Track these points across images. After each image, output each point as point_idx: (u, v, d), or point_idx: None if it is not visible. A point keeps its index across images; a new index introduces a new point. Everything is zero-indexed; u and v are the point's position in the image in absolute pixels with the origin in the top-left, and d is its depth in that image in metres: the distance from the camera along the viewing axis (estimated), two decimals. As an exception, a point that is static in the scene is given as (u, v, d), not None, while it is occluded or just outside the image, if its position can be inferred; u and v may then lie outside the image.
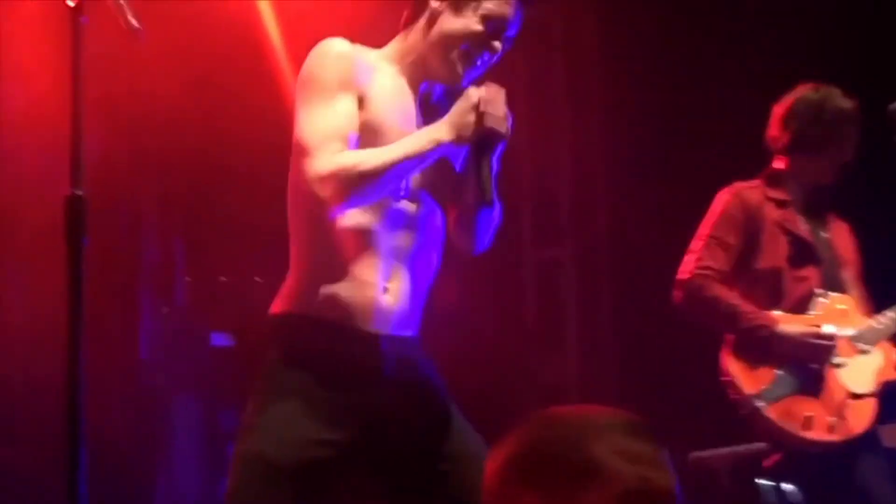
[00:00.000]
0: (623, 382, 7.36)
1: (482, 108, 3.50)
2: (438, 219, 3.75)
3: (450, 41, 3.66)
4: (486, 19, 3.64)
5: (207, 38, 6.80)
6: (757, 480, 5.01)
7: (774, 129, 5.23)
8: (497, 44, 3.67)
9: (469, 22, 3.64)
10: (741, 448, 5.13)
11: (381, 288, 3.56)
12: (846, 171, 5.23)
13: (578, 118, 7.75)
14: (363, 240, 3.57)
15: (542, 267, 7.97)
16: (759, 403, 4.90)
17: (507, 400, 7.35)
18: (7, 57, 6.77)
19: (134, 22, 3.21)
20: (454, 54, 3.66)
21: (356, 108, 3.58)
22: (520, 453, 2.03)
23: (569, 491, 1.95)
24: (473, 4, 3.64)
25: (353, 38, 3.69)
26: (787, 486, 5.05)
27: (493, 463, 2.06)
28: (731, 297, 5.01)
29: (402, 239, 3.63)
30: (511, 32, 3.71)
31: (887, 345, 5.18)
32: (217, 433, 7.48)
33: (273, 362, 3.62)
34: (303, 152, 3.53)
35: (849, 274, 5.29)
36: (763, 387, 4.92)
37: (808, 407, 4.93)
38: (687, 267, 5.08)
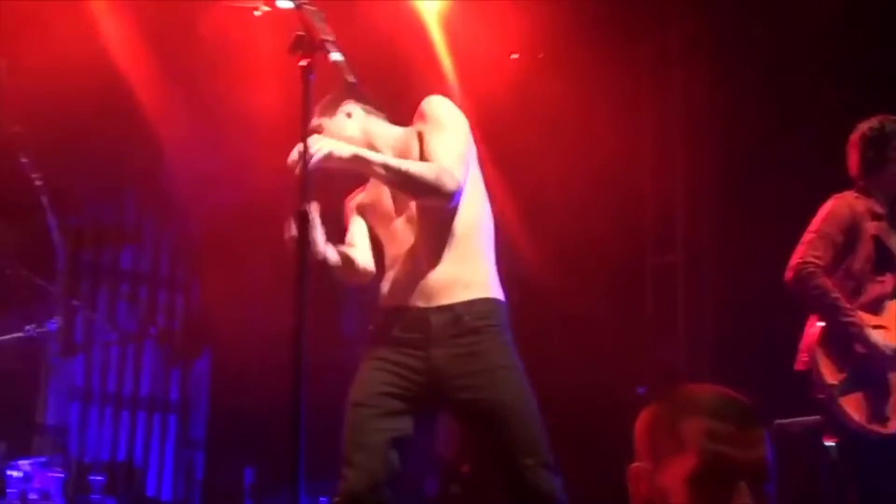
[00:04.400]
0: (721, 364, 7.28)
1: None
2: None
3: None
4: None
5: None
6: (826, 443, 4.90)
7: (853, 154, 5.06)
8: None
9: None
10: (813, 418, 5.02)
11: None
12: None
13: (691, 154, 7.69)
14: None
15: (659, 270, 7.94)
16: (836, 392, 4.71)
17: (631, 376, 7.33)
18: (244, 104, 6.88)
19: (351, 78, 3.25)
20: None
21: None
22: (641, 426, 2.02)
23: (664, 460, 1.93)
24: None
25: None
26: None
27: (636, 425, 2.05)
28: (833, 290, 4.76)
29: None
30: None
31: None
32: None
33: (508, 341, 3.75)
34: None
35: None
36: (842, 377, 4.73)
37: (874, 401, 4.73)
38: (799, 254, 4.84)
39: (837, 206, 4.91)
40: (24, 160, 6.43)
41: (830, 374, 4.75)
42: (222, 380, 8.14)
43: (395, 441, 3.59)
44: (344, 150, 3.59)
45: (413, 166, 3.64)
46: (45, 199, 6.46)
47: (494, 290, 3.75)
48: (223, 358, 8.18)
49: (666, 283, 7.89)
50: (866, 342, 4.72)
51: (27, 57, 6.90)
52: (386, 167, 3.62)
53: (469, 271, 3.71)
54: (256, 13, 6.96)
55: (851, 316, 4.74)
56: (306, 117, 3.31)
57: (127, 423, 8.06)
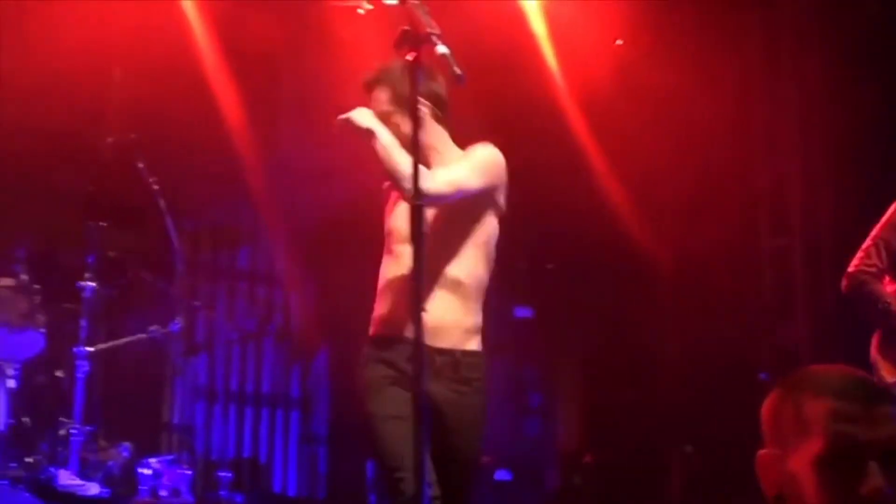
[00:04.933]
0: (842, 347, 7.14)
1: None
2: None
3: None
4: None
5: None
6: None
7: None
8: None
9: None
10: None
11: None
12: None
13: (805, 134, 7.55)
14: None
15: (776, 253, 7.81)
16: None
17: (750, 359, 7.24)
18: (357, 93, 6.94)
19: (458, 70, 3.25)
20: None
21: None
22: (766, 412, 1.97)
23: (792, 444, 1.89)
24: None
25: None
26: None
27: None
28: (886, 295, 4.69)
29: None
30: None
31: None
32: (520, 387, 7.56)
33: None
34: None
35: None
36: None
37: None
38: (853, 263, 4.80)
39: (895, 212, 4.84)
40: (140, 166, 6.57)
41: (889, 373, 4.67)
42: (342, 374, 8.21)
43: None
44: (363, 120, 3.77)
45: (403, 156, 3.66)
46: (162, 203, 6.60)
47: (481, 344, 3.86)
48: (342, 352, 8.26)
49: (783, 268, 7.77)
50: None
51: (139, 64, 7.05)
52: (384, 149, 3.72)
53: (470, 320, 3.82)
54: (360, 11, 7.01)
55: None
56: (415, 112, 3.32)
57: (250, 420, 8.19)
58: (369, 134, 3.75)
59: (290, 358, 8.34)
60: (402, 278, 3.79)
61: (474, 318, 3.84)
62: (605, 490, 7.37)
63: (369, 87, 3.99)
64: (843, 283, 4.82)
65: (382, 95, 3.93)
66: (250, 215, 8.38)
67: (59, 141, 7.03)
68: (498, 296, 7.69)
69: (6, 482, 4.72)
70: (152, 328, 6.54)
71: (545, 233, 7.57)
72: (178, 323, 6.62)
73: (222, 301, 8.21)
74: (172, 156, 7.24)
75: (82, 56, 6.87)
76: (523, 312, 7.67)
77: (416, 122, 3.29)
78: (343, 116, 3.80)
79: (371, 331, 3.90)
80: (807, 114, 7.50)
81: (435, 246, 3.71)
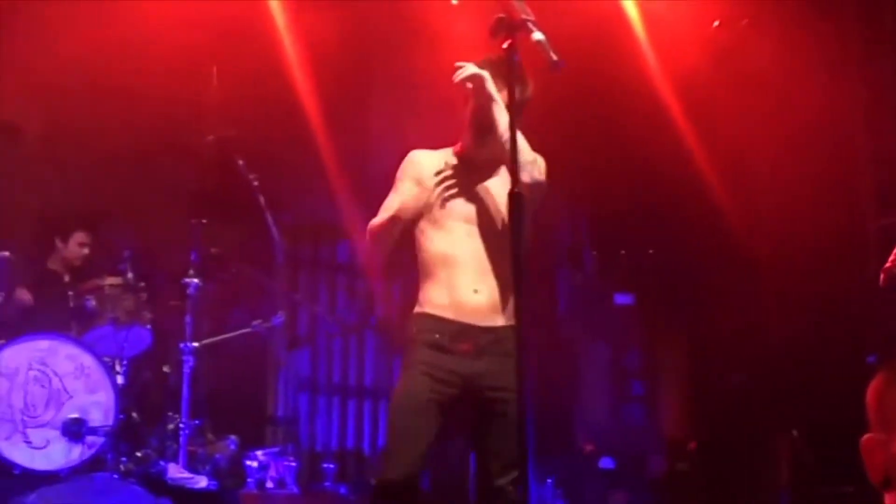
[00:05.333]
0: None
1: None
2: None
3: None
4: None
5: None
6: None
7: None
8: None
9: None
10: None
11: None
12: None
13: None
14: None
15: (882, 232, 7.63)
16: None
17: (857, 341, 7.08)
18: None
19: (555, 57, 3.22)
20: None
21: None
22: (871, 396, 1.94)
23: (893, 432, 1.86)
24: None
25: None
26: None
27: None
28: None
29: None
30: None
31: None
32: (621, 371, 7.51)
33: None
34: None
35: None
36: None
37: None
38: (892, 258, 4.83)
39: None
40: (240, 162, 6.66)
41: None
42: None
43: (432, 443, 3.87)
44: (492, 87, 3.87)
45: (522, 140, 3.82)
46: (262, 199, 6.67)
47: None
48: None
49: (889, 247, 7.58)
50: None
51: (235, 62, 7.12)
52: (507, 125, 3.66)
53: (507, 297, 3.94)
54: (454, 1, 7.00)
55: None
56: (512, 100, 3.30)
57: (353, 412, 8.25)
58: (494, 102, 3.86)
59: (390, 350, 8.38)
60: (456, 260, 3.95)
61: (509, 295, 3.91)
62: (710, 476, 7.30)
63: (500, 67, 3.91)
64: (882, 278, 4.85)
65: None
66: (349, 209, 8.43)
67: (160, 140, 7.14)
68: (598, 283, 7.70)
69: (117, 476, 4.82)
70: (255, 322, 6.63)
71: (645, 219, 7.51)
72: (281, 317, 6.71)
73: (323, 294, 8.27)
74: (271, 152, 7.32)
75: (180, 56, 6.97)
76: (624, 299, 7.61)
77: (513, 113, 3.30)
78: (468, 72, 3.88)
79: (427, 308, 3.98)
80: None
81: (492, 240, 3.93)
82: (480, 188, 4.01)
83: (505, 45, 3.26)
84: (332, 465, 6.48)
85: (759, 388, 7.40)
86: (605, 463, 7.16)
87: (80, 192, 7.21)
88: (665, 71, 7.34)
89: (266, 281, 7.13)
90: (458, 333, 3.88)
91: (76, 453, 5.42)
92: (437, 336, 3.89)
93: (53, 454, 5.41)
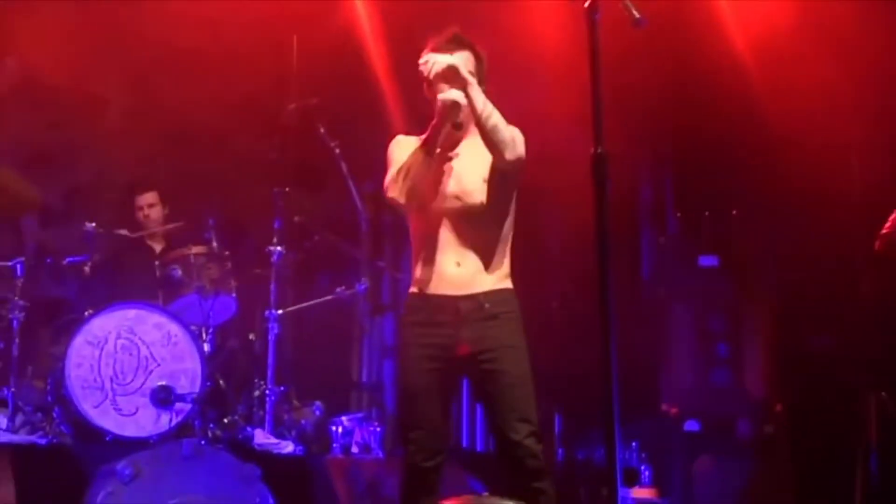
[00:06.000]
0: None
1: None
2: None
3: None
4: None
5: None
6: None
7: None
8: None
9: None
10: None
11: None
12: None
13: None
14: None
15: None
16: None
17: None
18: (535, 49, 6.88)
19: (637, 14, 3.16)
20: None
21: None
22: None
23: None
24: None
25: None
26: None
27: None
28: None
29: None
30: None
31: None
32: (706, 333, 7.41)
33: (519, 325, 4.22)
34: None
35: None
36: None
37: None
38: (888, 224, 4.97)
39: None
40: (321, 130, 6.66)
41: None
42: (526, 328, 8.19)
43: (446, 409, 4.12)
44: (467, 74, 4.00)
45: (499, 118, 4.00)
46: (344, 167, 6.68)
47: (509, 281, 4.14)
48: (525, 306, 8.24)
49: None
50: None
51: (316, 32, 7.12)
52: (486, 104, 3.97)
53: (491, 265, 4.09)
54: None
55: None
56: (596, 59, 3.24)
57: (437, 377, 8.24)
58: (472, 87, 3.99)
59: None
60: (436, 237, 4.09)
61: (495, 261, 4.10)
62: (798, 438, 7.19)
63: (458, 42, 4.18)
64: (877, 244, 5.00)
65: (468, 61, 4.12)
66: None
67: (243, 110, 7.17)
68: (682, 245, 7.59)
69: (205, 442, 4.87)
70: (339, 289, 6.65)
71: (728, 179, 7.38)
72: (364, 283, 6.72)
73: (406, 261, 8.26)
74: (352, 120, 7.32)
75: (262, 27, 6.99)
76: (708, 261, 7.50)
77: (595, 71, 3.24)
78: (444, 62, 4.02)
79: (413, 287, 4.14)
80: None
81: (469, 208, 4.06)
82: (458, 165, 4.13)
83: (587, 4, 3.19)
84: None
85: (848, 351, 7.27)
86: (691, 426, 7.09)
87: (164, 164, 7.28)
88: (746, 27, 7.18)
89: (349, 248, 7.14)
90: (439, 306, 4.03)
91: (164, 420, 5.50)
92: (422, 313, 4.06)
93: (142, 421, 5.49)
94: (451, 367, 4.04)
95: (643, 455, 6.81)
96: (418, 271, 4.13)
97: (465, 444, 8.02)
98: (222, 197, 7.09)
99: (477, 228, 4.09)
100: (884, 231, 5.01)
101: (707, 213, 7.51)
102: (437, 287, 4.07)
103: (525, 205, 7.29)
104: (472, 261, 4.07)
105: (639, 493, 6.68)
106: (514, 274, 4.16)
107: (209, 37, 6.90)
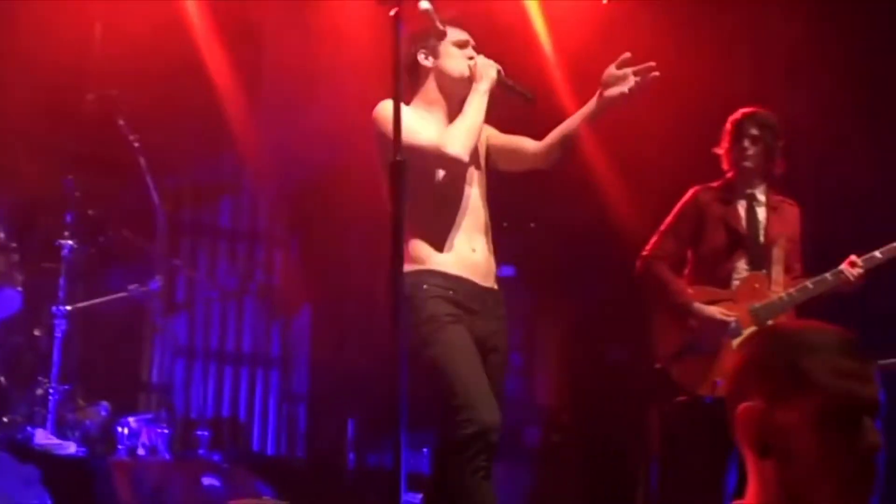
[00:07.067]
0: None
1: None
2: None
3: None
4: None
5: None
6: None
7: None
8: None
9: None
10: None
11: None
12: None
13: (790, 93, 7.46)
14: None
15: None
16: (668, 361, 5.07)
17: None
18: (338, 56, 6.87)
19: (441, 26, 3.20)
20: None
21: None
22: (749, 360, 1.96)
23: (784, 397, 1.88)
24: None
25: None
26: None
27: (734, 363, 2.01)
28: (666, 276, 5.13)
29: None
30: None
31: (788, 317, 5.01)
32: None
33: None
34: None
35: (779, 253, 5.12)
36: (675, 348, 5.04)
37: (704, 368, 4.93)
38: (648, 247, 5.24)
39: (683, 201, 5.28)
40: (121, 122, 6.50)
41: (664, 346, 5.12)
42: (323, 333, 8.17)
43: None
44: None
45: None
46: (143, 161, 6.52)
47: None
48: (323, 311, 8.22)
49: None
50: (695, 315, 5.00)
51: (121, 21, 6.95)
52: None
53: (493, 261, 4.11)
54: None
55: (679, 295, 5.06)
56: (398, 67, 3.25)
57: (230, 379, 8.13)
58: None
59: (270, 316, 8.28)
60: (464, 220, 3.99)
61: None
62: (584, 448, 7.37)
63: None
64: (637, 264, 5.24)
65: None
66: (232, 172, 8.30)
67: (40, 97, 6.93)
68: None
69: (-19, 441, 4.69)
70: (132, 287, 6.48)
71: (527, 192, 7.52)
72: (158, 281, 6.57)
73: (203, 259, 8.13)
74: (154, 112, 7.15)
75: (64, 12, 6.77)
76: (506, 271, 7.63)
77: (397, 78, 3.25)
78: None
79: (433, 265, 3.93)
80: (793, 73, 7.40)
81: (481, 195, 4.05)
82: None
83: (392, 13, 3.21)
84: (206, 433, 6.39)
85: (637, 363, 7.49)
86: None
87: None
88: (556, 48, 7.34)
89: (144, 244, 6.98)
90: (470, 293, 3.91)
91: (-61, 419, 5.26)
92: (453, 293, 3.87)
93: (-86, 419, 5.25)
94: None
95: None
96: (431, 251, 3.91)
97: (255, 448, 7.95)
98: (12, 186, 6.83)
99: (484, 213, 4.06)
100: (644, 253, 5.22)
101: (505, 224, 7.64)
102: (462, 270, 3.91)
103: (327, 211, 7.31)
104: (483, 247, 4.02)
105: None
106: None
107: (5, 21, 6.66)
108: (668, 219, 5.24)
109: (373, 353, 6.83)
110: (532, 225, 7.70)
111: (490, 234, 4.09)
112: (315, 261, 7.95)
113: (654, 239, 5.20)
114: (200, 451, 6.31)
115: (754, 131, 5.24)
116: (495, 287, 4.05)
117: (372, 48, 5.92)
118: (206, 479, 5.53)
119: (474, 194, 4.04)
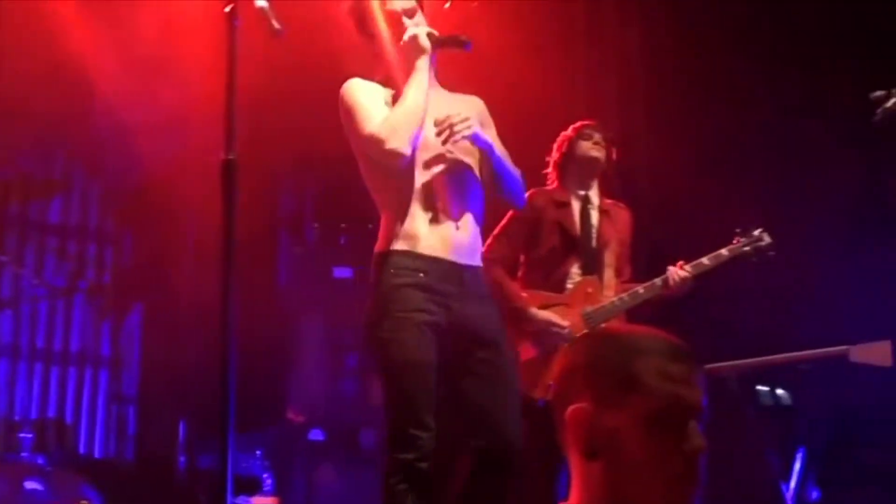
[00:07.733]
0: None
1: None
2: None
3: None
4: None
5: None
6: (757, 387, 5.03)
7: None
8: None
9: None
10: (746, 361, 5.14)
11: None
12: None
13: (623, 98, 7.60)
14: None
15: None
16: None
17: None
18: (173, 52, 6.75)
19: (277, 25, 3.19)
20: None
21: None
22: (578, 362, 1.99)
23: (613, 400, 1.91)
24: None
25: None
26: (780, 391, 5.09)
27: (561, 365, 2.04)
28: (502, 278, 5.09)
29: None
30: None
31: (619, 321, 5.13)
32: (337, 347, 7.51)
33: None
34: None
35: (610, 257, 5.26)
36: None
37: (538, 371, 4.97)
38: (485, 248, 5.17)
39: None
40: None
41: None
42: (154, 334, 8.00)
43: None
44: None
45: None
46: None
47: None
48: (154, 312, 8.04)
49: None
50: (530, 320, 5.02)
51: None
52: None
53: (479, 238, 3.92)
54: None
55: (516, 300, 5.03)
56: (232, 65, 3.21)
57: (57, 380, 7.87)
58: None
59: (100, 315, 8.07)
60: (441, 201, 3.77)
61: (480, 236, 3.93)
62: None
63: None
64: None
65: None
66: (63, 167, 8.06)
67: None
68: (317, 256, 7.65)
69: None
70: (-48, 284, 6.26)
71: (364, 193, 7.51)
72: (-18, 278, 6.35)
73: (30, 256, 7.87)
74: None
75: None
76: (342, 273, 7.60)
77: (231, 74, 3.19)
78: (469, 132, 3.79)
79: (405, 245, 3.78)
80: (626, 84, 7.55)
81: (473, 165, 3.88)
82: (447, 110, 3.86)
83: (227, 10, 3.18)
84: (29, 435, 6.17)
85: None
86: (315, 435, 7.14)
87: None
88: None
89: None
90: (442, 271, 3.69)
91: None
92: (419, 275, 3.66)
93: None
94: (441, 348, 3.63)
95: (266, 463, 6.79)
96: (406, 227, 3.73)
97: (82, 451, 7.73)
98: None
99: (471, 188, 3.82)
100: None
101: (344, 225, 7.62)
102: (437, 249, 3.69)
103: (160, 209, 7.15)
104: (469, 225, 3.78)
105: (260, 501, 6.65)
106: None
107: None
108: (503, 221, 5.23)
109: (205, 353, 6.72)
110: (370, 226, 7.69)
111: (479, 210, 3.91)
112: (147, 259, 7.78)
113: (488, 242, 5.16)
114: (24, 455, 6.10)
115: (595, 136, 5.33)
116: (478, 264, 3.85)
117: (209, 42, 5.82)
118: (28, 482, 5.36)
119: (460, 165, 3.87)
